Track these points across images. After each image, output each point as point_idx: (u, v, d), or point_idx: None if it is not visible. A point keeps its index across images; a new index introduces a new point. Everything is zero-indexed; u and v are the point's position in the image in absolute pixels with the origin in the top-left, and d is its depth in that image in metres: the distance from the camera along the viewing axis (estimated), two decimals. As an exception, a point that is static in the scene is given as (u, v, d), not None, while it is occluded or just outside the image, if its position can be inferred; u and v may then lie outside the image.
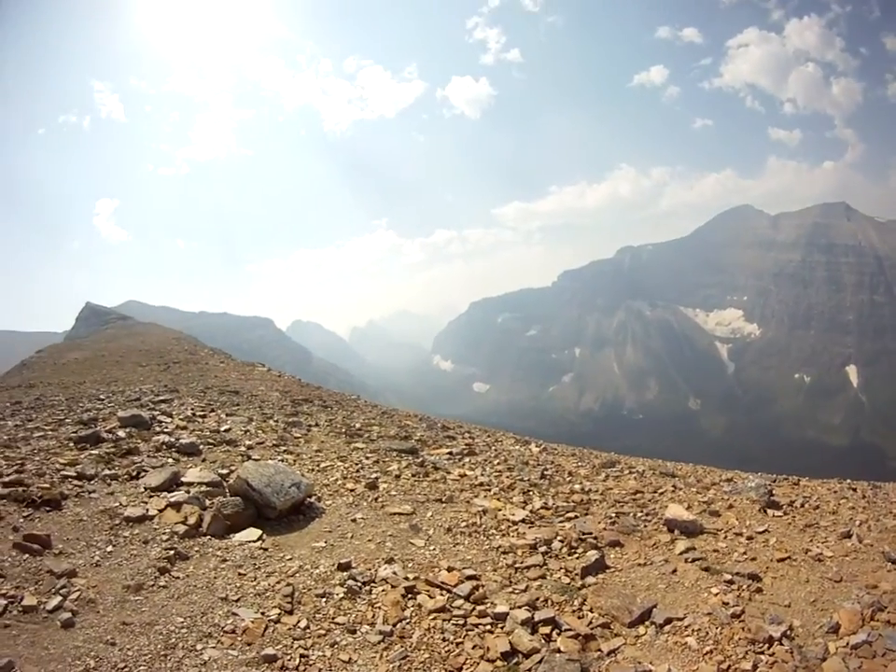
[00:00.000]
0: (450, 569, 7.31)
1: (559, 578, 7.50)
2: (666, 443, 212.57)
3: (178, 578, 6.89)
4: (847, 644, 6.45)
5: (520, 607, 6.66)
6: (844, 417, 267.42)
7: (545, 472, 12.06)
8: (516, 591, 7.08)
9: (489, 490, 10.41)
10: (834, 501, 11.24)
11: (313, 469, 10.87)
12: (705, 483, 12.36)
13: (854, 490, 12.44)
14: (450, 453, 12.96)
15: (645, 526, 9.32)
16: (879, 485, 13.30)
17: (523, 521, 9.04)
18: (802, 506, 10.88)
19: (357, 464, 11.34)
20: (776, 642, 6.38)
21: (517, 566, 7.68)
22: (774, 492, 11.44)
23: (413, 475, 10.90)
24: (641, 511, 9.97)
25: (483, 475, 11.33)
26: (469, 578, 7.15)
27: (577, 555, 8.09)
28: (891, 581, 7.94)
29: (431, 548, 7.96)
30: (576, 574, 7.60)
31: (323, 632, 6.11)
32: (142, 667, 5.33)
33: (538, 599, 6.92)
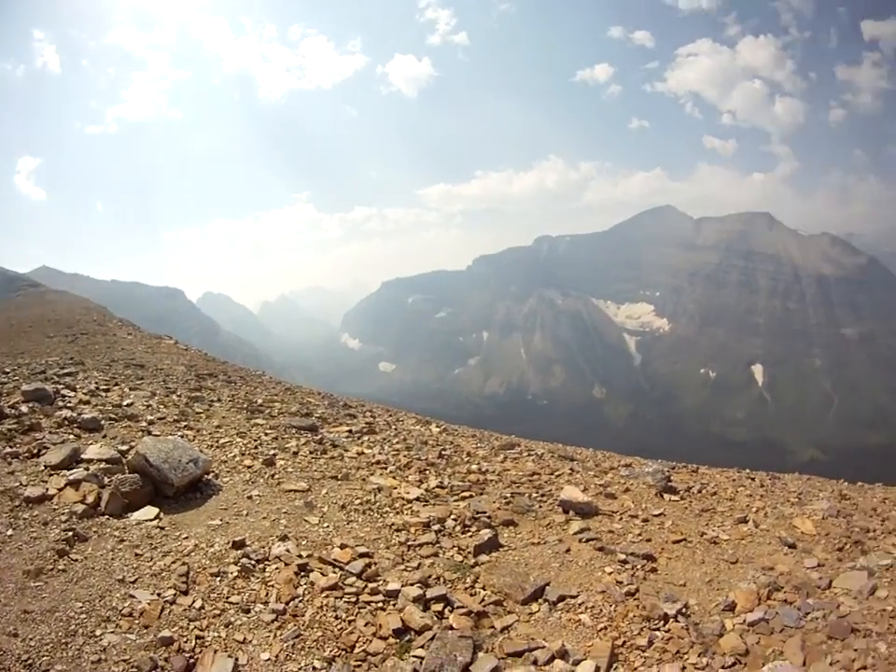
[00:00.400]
0: (343, 547, 7.29)
1: (452, 556, 7.54)
2: (569, 430, 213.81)
3: (77, 560, 6.74)
4: (744, 621, 6.72)
5: (412, 584, 6.68)
6: (747, 413, 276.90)
7: (443, 452, 12.11)
8: (409, 568, 7.10)
9: (385, 468, 10.41)
10: (732, 489, 11.59)
11: (212, 446, 10.70)
12: (603, 468, 12.57)
13: (753, 479, 12.88)
14: (349, 431, 12.90)
15: (540, 507, 9.43)
16: (779, 476, 13.79)
17: (417, 499, 9.06)
18: (699, 492, 11.21)
19: (255, 440, 11.20)
20: (671, 619, 6.58)
21: (410, 543, 7.70)
22: (672, 478, 11.71)
23: (311, 452, 10.81)
24: (537, 493, 10.08)
25: (380, 454, 11.31)
26: (362, 555, 7.14)
27: (470, 534, 8.14)
28: (788, 563, 8.29)
29: (325, 525, 7.93)
30: (469, 552, 7.65)
31: (218, 612, 6.07)
32: (44, 658, 5.24)
33: (430, 577, 6.94)
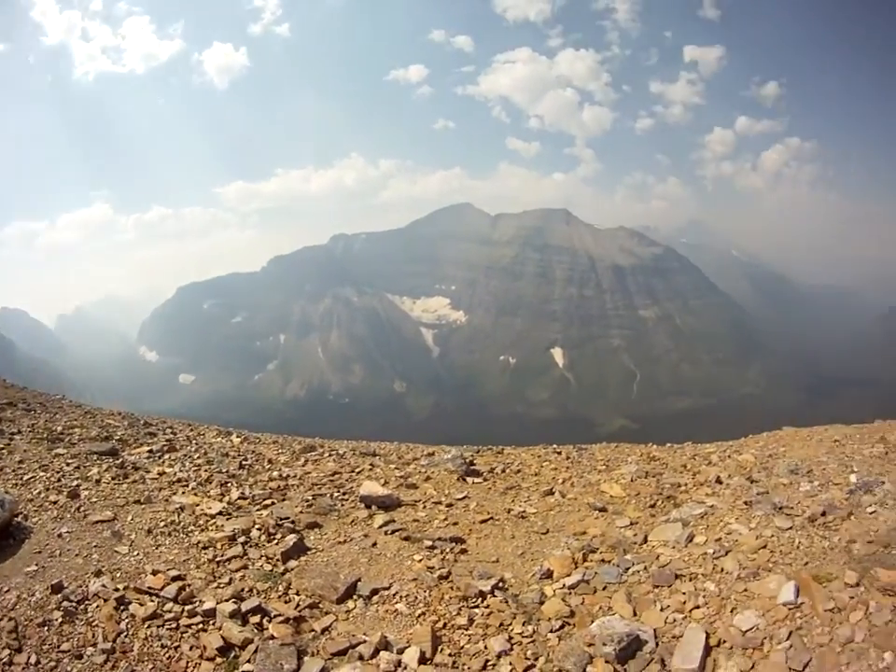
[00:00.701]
0: (155, 573, 7.14)
1: (261, 566, 7.63)
2: (374, 426, 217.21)
3: None
4: (564, 586, 7.13)
5: (227, 600, 6.70)
6: (552, 393, 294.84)
7: (244, 462, 12.10)
8: (221, 585, 7.11)
9: (187, 486, 10.24)
10: (537, 464, 12.19)
11: (17, 484, 9.96)
12: (406, 460, 12.99)
13: (559, 453, 13.62)
14: (150, 451, 12.48)
15: (342, 506, 9.68)
16: (585, 447, 14.49)
17: (220, 513, 9.01)
18: (503, 471, 11.81)
19: (58, 472, 10.54)
20: (488, 595, 6.88)
21: (218, 559, 7.69)
22: (475, 462, 12.27)
23: (114, 478, 10.37)
24: (338, 492, 10.34)
25: (182, 471, 11.09)
26: (175, 579, 7.04)
27: (276, 541, 8.23)
28: (600, 526, 8.90)
29: (135, 553, 7.70)
30: (277, 560, 7.76)
31: (53, 664, 5.82)
32: None
33: (243, 590, 6.99)
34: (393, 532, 8.66)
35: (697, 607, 6.43)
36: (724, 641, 5.87)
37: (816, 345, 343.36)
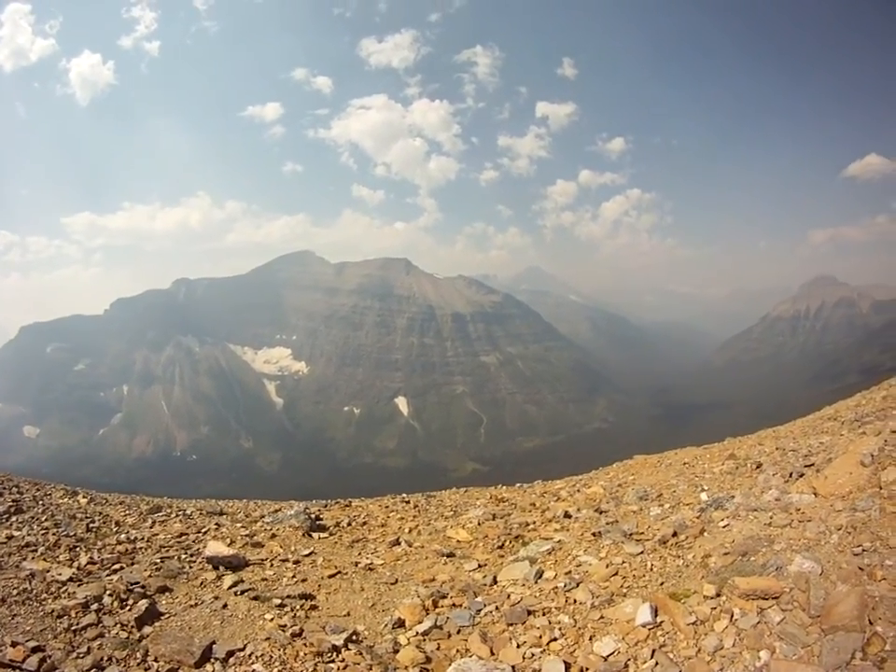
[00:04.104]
0: (14, 645, 6.65)
1: (117, 633, 7.22)
2: (224, 483, 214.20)
3: None
4: (417, 633, 7.07)
5: (87, 670, 6.36)
6: (399, 442, 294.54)
7: (91, 525, 11.58)
8: (80, 654, 6.69)
9: (36, 551, 9.62)
10: (384, 515, 12.19)
11: None
12: (253, 517, 12.87)
13: (407, 502, 13.74)
14: (-3, 512, 11.75)
15: (191, 567, 9.45)
16: (434, 494, 14.68)
17: (70, 579, 8.51)
18: (349, 524, 11.83)
19: None
20: (342, 649, 6.74)
21: (74, 628, 7.22)
22: (322, 516, 12.30)
23: (-37, 544, 9.69)
24: (186, 553, 10.09)
25: (30, 534, 10.44)
26: (35, 650, 6.59)
27: (129, 607, 7.85)
28: (448, 571, 9.02)
29: (-9, 626, 7.19)
30: (132, 626, 7.38)
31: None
32: None
33: (102, 659, 6.61)
34: (242, 592, 8.53)
35: (554, 639, 6.46)
36: (587, 669, 5.88)
37: (661, 378, 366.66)
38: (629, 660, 5.74)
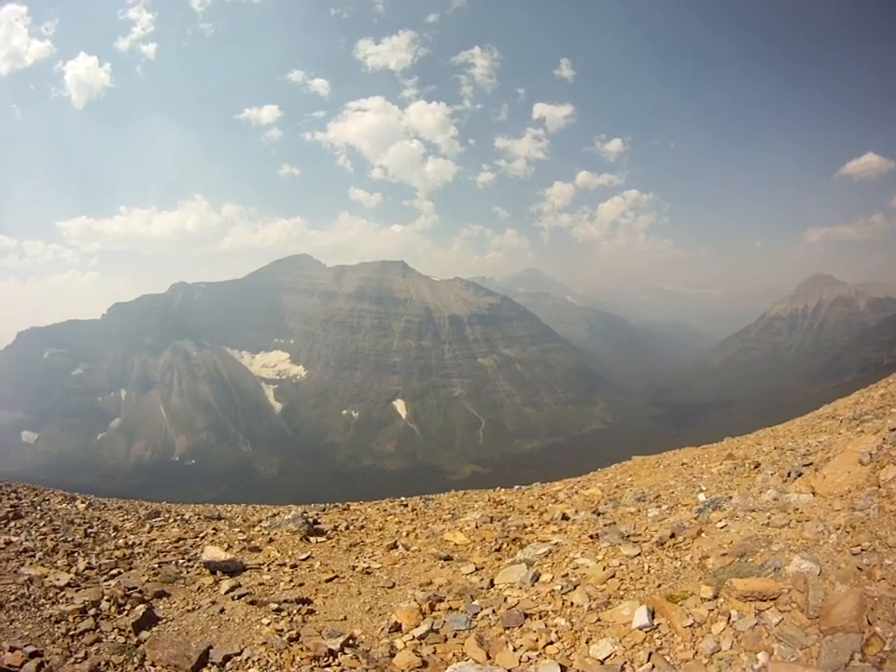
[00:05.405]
0: (13, 650, 6.59)
1: (114, 638, 7.19)
2: (222, 488, 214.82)
3: None
4: (413, 637, 7.03)
5: None
6: (398, 445, 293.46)
7: (89, 530, 11.46)
8: (78, 660, 6.65)
9: (34, 556, 9.55)
10: (381, 519, 12.13)
11: None
12: (251, 522, 12.77)
13: (405, 506, 13.71)
14: (-5, 517, 11.72)
15: (188, 572, 9.41)
16: (432, 497, 14.62)
17: (68, 585, 8.42)
18: (347, 528, 11.75)
19: None
20: (339, 653, 6.72)
21: (72, 633, 7.19)
22: (320, 520, 12.21)
23: (-38, 548, 9.66)
24: (183, 558, 10.05)
25: (27, 540, 10.34)
26: (33, 655, 6.55)
27: (126, 612, 7.81)
28: (445, 574, 8.97)
29: (-9, 629, 7.15)
30: (130, 631, 7.35)
31: None
32: None
33: (99, 664, 6.56)
34: (239, 597, 8.50)
35: (551, 643, 6.43)
36: (583, 672, 5.84)
37: (659, 378, 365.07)
38: (626, 663, 5.72)
